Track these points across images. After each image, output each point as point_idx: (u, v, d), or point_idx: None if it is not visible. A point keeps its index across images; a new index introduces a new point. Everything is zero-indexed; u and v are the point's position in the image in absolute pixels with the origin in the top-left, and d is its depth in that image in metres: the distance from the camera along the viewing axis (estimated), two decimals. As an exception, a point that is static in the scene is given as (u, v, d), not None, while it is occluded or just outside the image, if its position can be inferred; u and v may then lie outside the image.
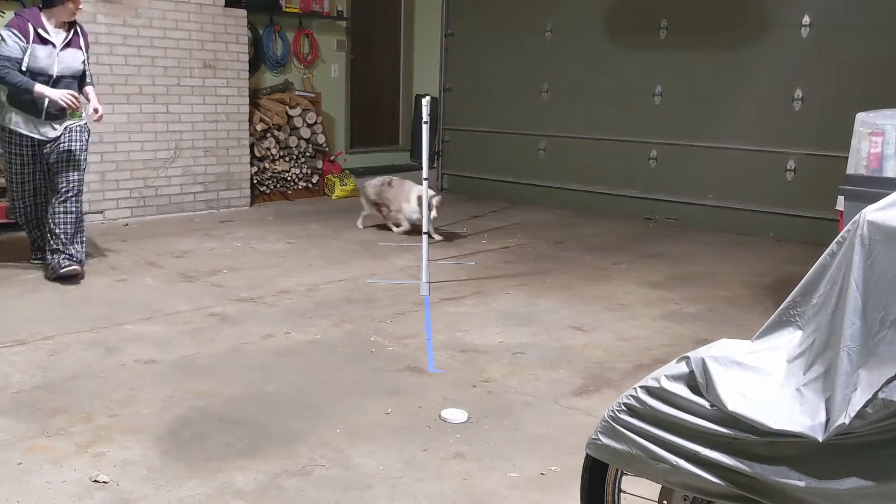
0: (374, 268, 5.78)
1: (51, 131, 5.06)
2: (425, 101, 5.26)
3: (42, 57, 4.90)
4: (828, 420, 1.48)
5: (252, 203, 8.15)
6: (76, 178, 5.12)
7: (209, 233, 6.83)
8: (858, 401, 1.41)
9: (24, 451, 2.92)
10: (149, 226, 7.03)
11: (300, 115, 8.53)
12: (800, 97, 7.05)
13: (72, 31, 5.04)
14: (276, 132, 8.35)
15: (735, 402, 1.60)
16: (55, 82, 4.94)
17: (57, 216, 5.08)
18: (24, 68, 4.85)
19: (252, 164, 8.19)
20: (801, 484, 1.52)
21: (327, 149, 8.95)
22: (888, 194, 1.57)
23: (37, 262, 5.48)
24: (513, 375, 3.79)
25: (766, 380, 1.64)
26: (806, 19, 6.94)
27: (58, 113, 5.02)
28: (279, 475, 2.80)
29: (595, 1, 8.24)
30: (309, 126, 8.61)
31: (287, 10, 8.83)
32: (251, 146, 8.14)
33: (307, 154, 8.68)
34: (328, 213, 7.97)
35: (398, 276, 5.54)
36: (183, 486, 2.71)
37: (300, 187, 8.71)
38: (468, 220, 7.78)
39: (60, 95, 4.85)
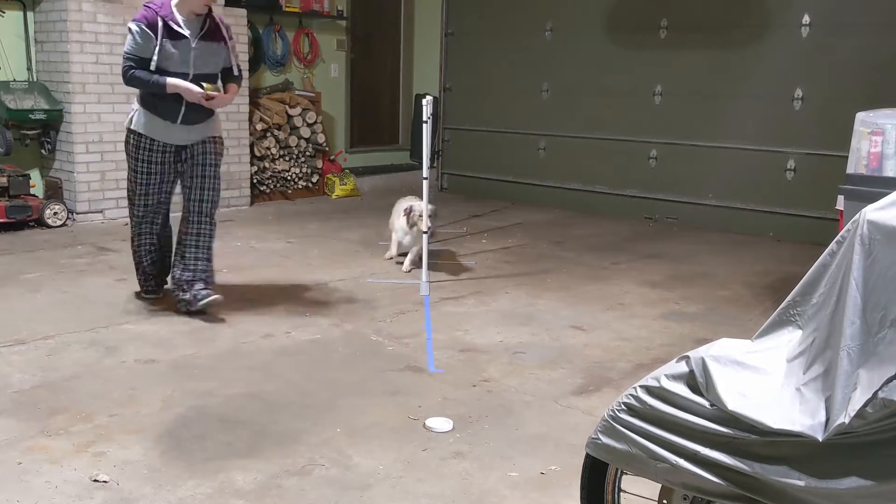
0: (375, 267, 5.77)
1: (186, 137, 4.40)
2: (425, 101, 5.26)
3: (175, 53, 4.24)
4: (828, 419, 1.48)
5: (252, 202, 8.15)
6: (215, 197, 4.50)
7: (209, 232, 6.82)
8: (858, 400, 1.41)
9: (24, 450, 2.92)
10: (149, 225, 7.02)
11: (300, 114, 8.53)
12: (800, 97, 7.05)
13: (207, 22, 4.36)
14: (276, 132, 8.35)
15: (735, 401, 1.60)
16: (192, 82, 4.29)
17: (190, 238, 4.45)
18: (153, 67, 4.21)
19: (252, 164, 8.19)
20: (801, 483, 1.52)
21: (327, 148, 8.95)
22: (888, 194, 1.57)
23: (151, 296, 4.78)
24: (513, 375, 3.79)
25: (766, 379, 1.64)
26: (806, 19, 6.93)
27: (196, 116, 4.37)
28: (279, 475, 2.80)
29: (595, 1, 8.24)
30: (309, 125, 8.61)
31: (287, 9, 8.84)
32: (251, 146, 8.14)
33: (307, 153, 8.68)
34: (328, 212, 7.97)
35: (398, 276, 5.54)
36: (183, 486, 2.71)
37: (300, 187, 8.71)
38: (468, 220, 7.77)
39: (196, 94, 4.24)
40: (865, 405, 1.40)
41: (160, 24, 4.19)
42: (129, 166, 4.48)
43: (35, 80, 7.02)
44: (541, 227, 7.59)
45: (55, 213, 6.79)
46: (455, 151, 9.79)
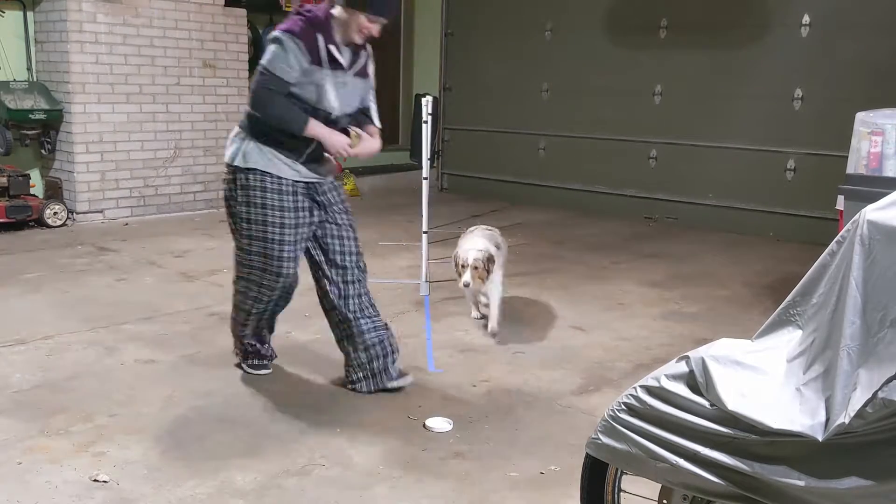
0: (374, 267, 5.76)
1: (311, 173, 3.41)
2: (425, 101, 5.26)
3: (328, 87, 3.27)
4: (828, 419, 1.48)
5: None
6: (359, 249, 3.55)
7: (209, 232, 6.82)
8: (858, 400, 1.41)
9: (24, 450, 2.91)
10: (149, 225, 7.02)
11: (300, 114, 8.52)
12: (800, 97, 7.05)
13: (362, 53, 3.43)
14: (276, 132, 8.34)
15: (735, 401, 1.60)
16: (332, 122, 3.35)
17: (351, 300, 3.47)
18: (293, 92, 3.24)
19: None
20: (801, 483, 1.52)
21: (327, 148, 8.93)
22: (888, 194, 1.57)
23: (259, 370, 3.72)
24: (513, 375, 3.79)
25: (766, 379, 1.64)
26: (806, 19, 6.93)
27: (321, 154, 3.41)
28: (279, 475, 2.80)
29: (595, 1, 8.23)
30: (309, 126, 8.60)
31: (287, 9, 8.82)
32: (251, 146, 8.13)
33: (307, 154, 8.66)
34: (328, 212, 7.96)
35: (398, 276, 5.54)
36: (183, 486, 2.71)
37: (300, 187, 8.69)
38: (468, 220, 7.76)
39: (342, 144, 3.34)
40: (865, 405, 1.40)
41: (321, 44, 3.22)
42: (247, 221, 3.31)
43: (35, 80, 7.02)
44: (541, 227, 7.58)
45: (55, 213, 6.79)
46: (455, 151, 9.79)
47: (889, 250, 1.47)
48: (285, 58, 3.18)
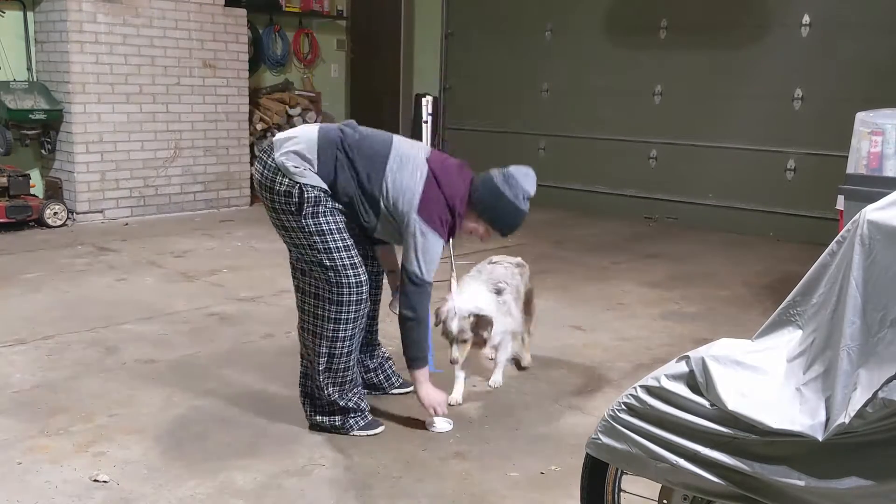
0: (374, 267, 5.76)
1: None
2: (425, 101, 5.26)
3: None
4: (828, 419, 1.48)
5: (252, 202, 8.15)
6: None
7: (209, 232, 6.82)
8: (858, 400, 1.41)
9: (24, 450, 2.91)
10: (149, 225, 7.02)
11: (300, 114, 8.53)
12: (800, 97, 7.05)
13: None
14: (276, 131, 8.34)
15: (735, 401, 1.60)
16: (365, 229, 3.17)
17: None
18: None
19: (252, 164, 8.18)
20: (801, 483, 1.52)
21: (327, 148, 8.93)
22: (888, 194, 1.57)
23: (380, 429, 3.19)
24: (512, 375, 3.79)
25: (766, 379, 1.64)
26: (806, 19, 6.93)
27: None
28: (279, 475, 2.80)
29: (595, 1, 8.23)
30: (309, 126, 8.60)
31: (287, 9, 8.84)
32: (251, 145, 8.14)
33: (307, 154, 8.66)
34: (328, 212, 7.96)
35: (398, 276, 5.53)
36: (183, 486, 2.71)
37: (300, 187, 8.69)
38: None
39: (434, 402, 3.13)
40: (865, 405, 1.39)
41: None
42: (316, 235, 2.97)
43: (35, 80, 7.02)
44: (541, 226, 7.57)
45: (55, 213, 6.79)
46: (455, 151, 9.78)
47: (889, 250, 1.47)
48: (435, 253, 3.00)
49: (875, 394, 1.39)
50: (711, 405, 1.64)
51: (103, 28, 6.91)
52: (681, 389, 1.70)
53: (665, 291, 5.34)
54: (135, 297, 4.85)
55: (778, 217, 7.23)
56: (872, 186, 3.86)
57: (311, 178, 2.95)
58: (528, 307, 3.72)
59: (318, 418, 3.15)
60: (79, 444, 2.98)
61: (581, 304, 5.00)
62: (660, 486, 1.85)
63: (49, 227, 6.73)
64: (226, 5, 7.72)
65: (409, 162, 3.03)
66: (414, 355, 3.08)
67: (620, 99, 8.11)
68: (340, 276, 2.99)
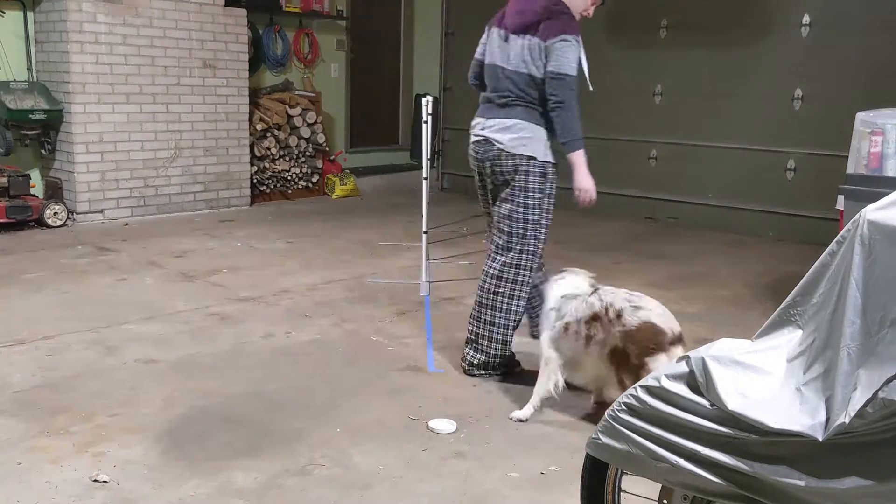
0: (375, 267, 5.77)
1: None
2: (425, 101, 5.26)
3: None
4: (828, 419, 1.48)
5: (252, 203, 8.15)
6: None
7: (209, 232, 6.83)
8: (858, 400, 1.41)
9: (24, 450, 2.92)
10: (149, 225, 7.03)
11: (300, 114, 8.53)
12: (800, 97, 7.05)
13: None
14: (275, 132, 8.35)
15: (735, 401, 1.60)
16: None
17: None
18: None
19: (252, 164, 8.19)
20: (801, 483, 1.52)
21: (327, 148, 8.95)
22: (888, 194, 1.57)
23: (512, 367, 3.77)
24: (513, 375, 3.79)
25: (766, 379, 1.64)
26: (806, 19, 6.93)
27: None
28: (279, 475, 2.80)
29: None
30: (309, 125, 8.61)
31: (287, 9, 8.83)
32: (251, 146, 8.14)
33: (307, 153, 8.68)
34: (328, 212, 7.97)
35: (398, 276, 5.54)
36: (183, 486, 2.71)
37: (300, 187, 8.71)
38: (468, 220, 7.77)
39: (589, 187, 3.95)
40: (865, 405, 1.39)
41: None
42: (537, 207, 3.86)
43: (35, 80, 7.02)
44: (541, 227, 7.58)
45: (55, 213, 6.79)
46: (455, 151, 9.77)
47: (889, 250, 1.47)
48: (577, 59, 3.53)
49: (875, 394, 1.39)
50: (711, 405, 1.64)
51: (103, 28, 6.91)
52: (681, 389, 1.70)
53: (665, 291, 5.33)
54: (135, 297, 4.85)
55: (778, 217, 7.23)
56: (872, 186, 3.86)
57: None
58: None
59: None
60: (79, 444, 2.98)
61: (581, 304, 4.99)
62: (660, 486, 1.85)
63: (49, 227, 6.73)
64: (226, 5, 7.72)
65: None
66: (566, 139, 3.63)
67: (621, 98, 8.10)
68: None
